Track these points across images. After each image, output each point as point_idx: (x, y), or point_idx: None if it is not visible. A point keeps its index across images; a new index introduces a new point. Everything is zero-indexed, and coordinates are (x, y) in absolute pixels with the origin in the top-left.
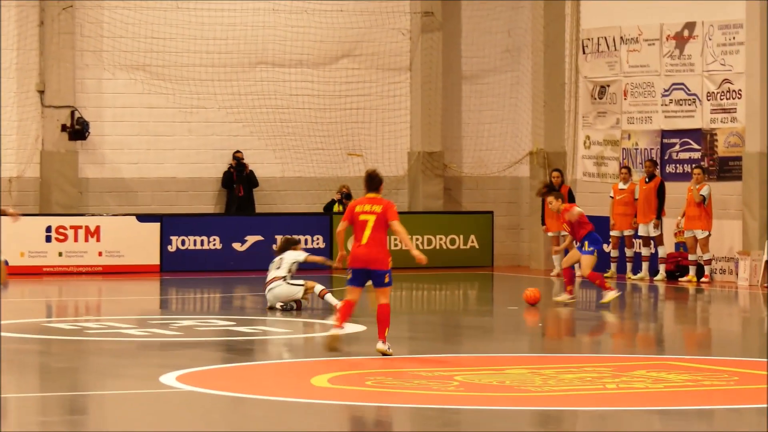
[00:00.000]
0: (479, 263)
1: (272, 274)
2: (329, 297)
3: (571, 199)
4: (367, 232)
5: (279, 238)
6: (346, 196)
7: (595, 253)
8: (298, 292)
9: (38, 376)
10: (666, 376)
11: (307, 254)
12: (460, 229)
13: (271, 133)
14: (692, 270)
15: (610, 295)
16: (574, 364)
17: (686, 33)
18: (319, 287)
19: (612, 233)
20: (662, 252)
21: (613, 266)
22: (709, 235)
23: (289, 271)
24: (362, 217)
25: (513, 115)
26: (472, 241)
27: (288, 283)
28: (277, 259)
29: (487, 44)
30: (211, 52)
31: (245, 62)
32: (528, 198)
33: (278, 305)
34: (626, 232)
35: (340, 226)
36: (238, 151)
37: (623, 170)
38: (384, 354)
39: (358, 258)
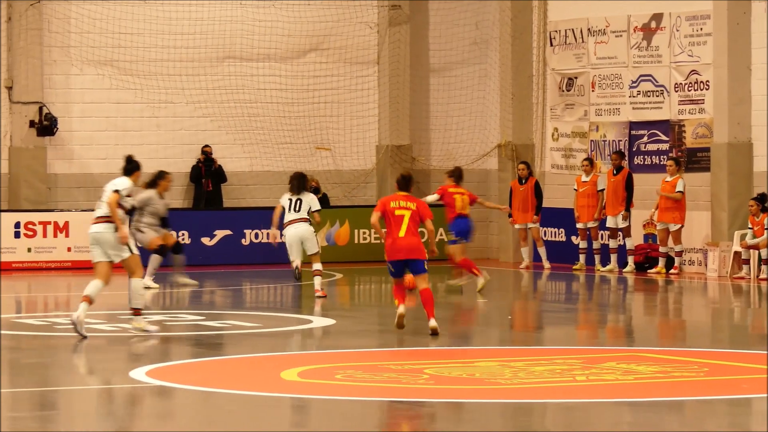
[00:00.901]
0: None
1: (291, 216)
2: (317, 280)
3: (538, 191)
4: (404, 226)
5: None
6: (314, 191)
7: (460, 240)
8: (315, 244)
9: (8, 371)
10: (636, 368)
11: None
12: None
13: (239, 127)
14: (661, 261)
15: (480, 282)
16: (543, 356)
17: (654, 24)
18: (317, 265)
19: (578, 225)
20: (630, 244)
21: (581, 258)
22: (682, 227)
23: (309, 215)
24: (398, 212)
25: (481, 108)
26: (441, 234)
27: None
28: (294, 199)
29: (455, 37)
30: (178, 47)
31: (213, 57)
32: (497, 191)
33: (297, 265)
34: (590, 224)
35: (374, 217)
36: (206, 146)
37: (584, 162)
38: (434, 331)
39: (401, 249)
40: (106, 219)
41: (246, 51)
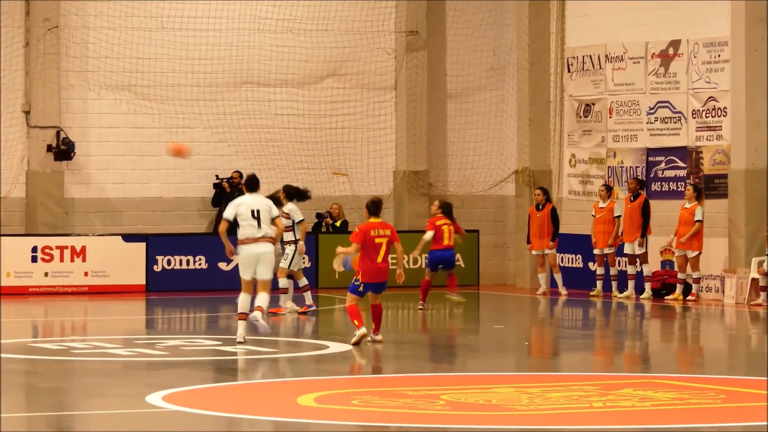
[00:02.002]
0: (465, 282)
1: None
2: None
3: (554, 218)
4: (382, 252)
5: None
6: (329, 215)
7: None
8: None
9: (24, 395)
10: (653, 395)
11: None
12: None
13: (256, 152)
14: (679, 288)
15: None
16: (560, 382)
17: (671, 51)
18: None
19: (595, 251)
20: (647, 270)
21: (599, 284)
22: (700, 254)
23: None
24: (378, 240)
25: (498, 134)
26: (458, 260)
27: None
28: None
29: (472, 63)
30: (196, 72)
31: (230, 82)
32: (514, 216)
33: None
34: (607, 250)
35: (354, 248)
36: (235, 171)
37: (601, 188)
38: (375, 341)
39: (380, 273)
40: (271, 239)
41: (263, 76)
